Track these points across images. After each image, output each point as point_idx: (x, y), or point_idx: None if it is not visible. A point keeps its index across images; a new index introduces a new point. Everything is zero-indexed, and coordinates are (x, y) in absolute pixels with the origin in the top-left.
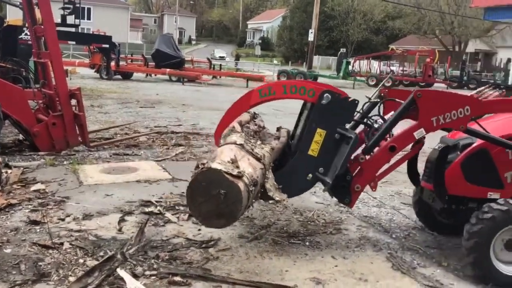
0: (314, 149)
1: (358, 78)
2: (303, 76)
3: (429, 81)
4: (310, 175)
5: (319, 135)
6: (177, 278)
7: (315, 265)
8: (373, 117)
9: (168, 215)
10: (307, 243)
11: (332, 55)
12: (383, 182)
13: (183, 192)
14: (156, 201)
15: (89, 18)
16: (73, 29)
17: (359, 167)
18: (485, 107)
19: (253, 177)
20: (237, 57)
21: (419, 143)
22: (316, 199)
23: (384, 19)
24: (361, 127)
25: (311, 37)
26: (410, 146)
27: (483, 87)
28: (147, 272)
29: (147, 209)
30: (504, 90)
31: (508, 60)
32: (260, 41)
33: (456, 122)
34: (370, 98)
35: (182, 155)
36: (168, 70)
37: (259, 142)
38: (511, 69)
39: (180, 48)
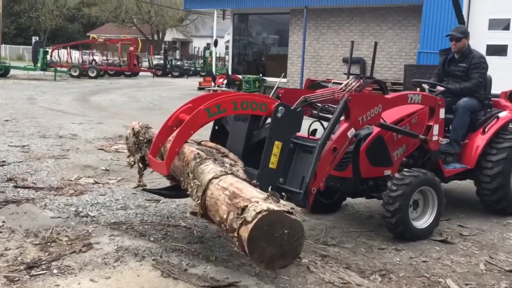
0: (273, 161)
1: (59, 69)
2: None
3: (135, 70)
4: (270, 187)
5: (277, 147)
6: None
7: None
8: None
9: None
10: (55, 271)
11: (22, 44)
12: (119, 180)
13: None
14: None
15: None
16: None
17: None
18: (390, 103)
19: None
20: None
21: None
22: (51, 213)
23: (79, 5)
24: None
25: None
26: None
27: (350, 80)
28: None
29: None
30: (365, 80)
31: (205, 48)
32: None
33: (374, 119)
34: None
35: None
36: None
37: (227, 164)
38: (212, 56)
39: None
